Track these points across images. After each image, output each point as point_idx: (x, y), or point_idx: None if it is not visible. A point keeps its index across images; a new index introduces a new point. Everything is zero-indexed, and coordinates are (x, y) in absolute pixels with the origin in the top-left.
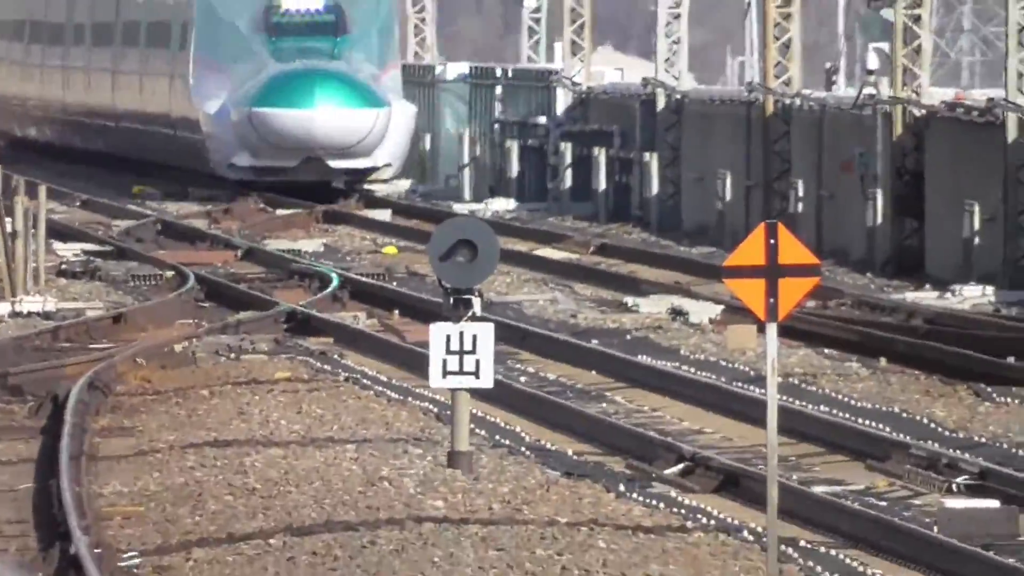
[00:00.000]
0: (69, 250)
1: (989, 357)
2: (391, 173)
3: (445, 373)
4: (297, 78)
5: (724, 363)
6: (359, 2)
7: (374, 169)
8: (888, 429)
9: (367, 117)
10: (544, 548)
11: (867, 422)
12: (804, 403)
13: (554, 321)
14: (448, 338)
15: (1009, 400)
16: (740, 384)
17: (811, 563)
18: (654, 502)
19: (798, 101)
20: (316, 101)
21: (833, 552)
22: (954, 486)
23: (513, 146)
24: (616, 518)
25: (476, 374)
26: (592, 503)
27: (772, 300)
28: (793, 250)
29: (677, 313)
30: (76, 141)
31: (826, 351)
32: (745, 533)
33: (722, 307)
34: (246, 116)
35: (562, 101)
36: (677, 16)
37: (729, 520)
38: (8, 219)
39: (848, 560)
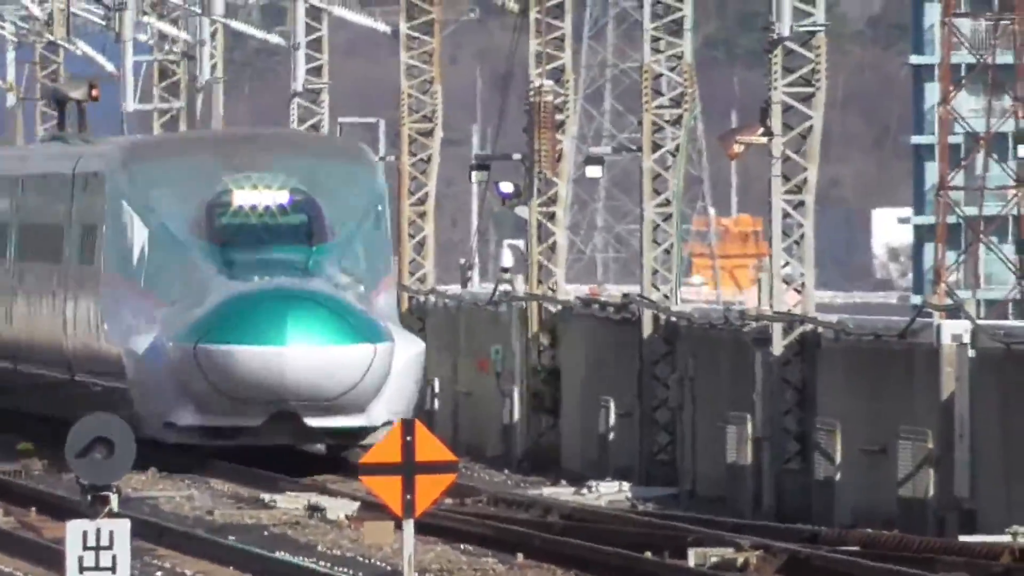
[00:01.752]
0: None
1: (626, 551)
2: None
3: (82, 569)
4: (260, 303)
5: (361, 559)
6: (339, 194)
7: (369, 430)
8: None
9: (360, 357)
10: None
11: None
12: None
13: (191, 517)
14: (85, 534)
15: None
16: None
17: None
18: None
19: (433, 298)
20: (288, 335)
21: None
22: None
23: None
24: None
25: (113, 570)
26: None
27: (409, 497)
28: (430, 447)
29: (314, 509)
30: None
31: (463, 547)
32: None
33: (359, 504)
34: (189, 356)
35: None
36: None
37: None
38: None
39: None
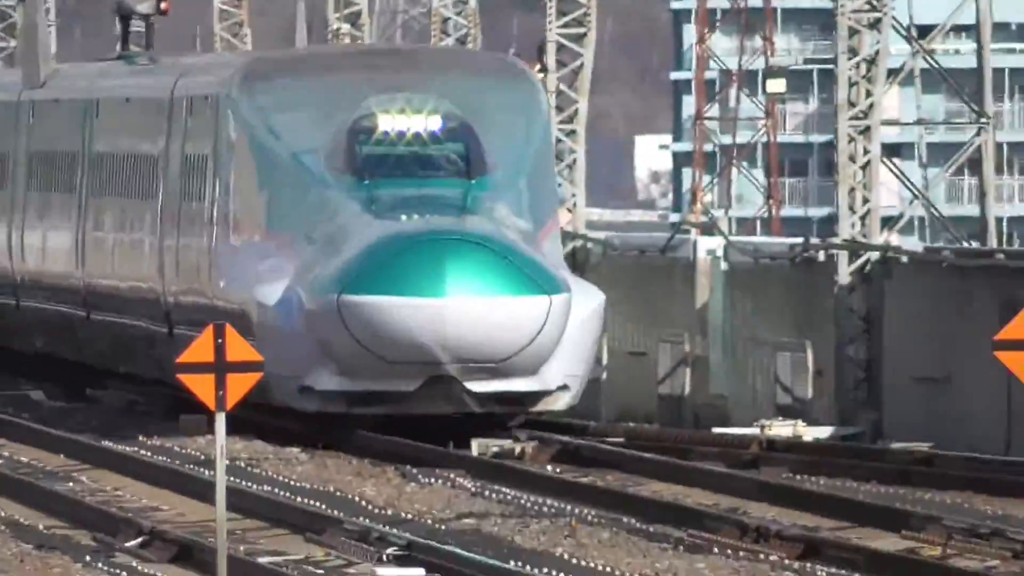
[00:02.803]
0: None
1: (413, 442)
2: (568, 401)
3: None
4: (414, 247)
5: (179, 449)
6: (500, 118)
7: (543, 395)
8: (324, 506)
9: (533, 311)
10: None
11: (306, 500)
12: (250, 484)
13: (26, 411)
14: None
15: (432, 480)
16: (192, 467)
17: None
18: (117, 571)
19: None
20: (448, 285)
21: None
22: (384, 556)
23: None
24: None
25: None
26: (61, 572)
27: (221, 393)
28: (240, 348)
29: (136, 404)
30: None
31: (271, 443)
32: None
33: (176, 399)
34: (331, 309)
35: None
36: None
37: None
38: None
39: None
